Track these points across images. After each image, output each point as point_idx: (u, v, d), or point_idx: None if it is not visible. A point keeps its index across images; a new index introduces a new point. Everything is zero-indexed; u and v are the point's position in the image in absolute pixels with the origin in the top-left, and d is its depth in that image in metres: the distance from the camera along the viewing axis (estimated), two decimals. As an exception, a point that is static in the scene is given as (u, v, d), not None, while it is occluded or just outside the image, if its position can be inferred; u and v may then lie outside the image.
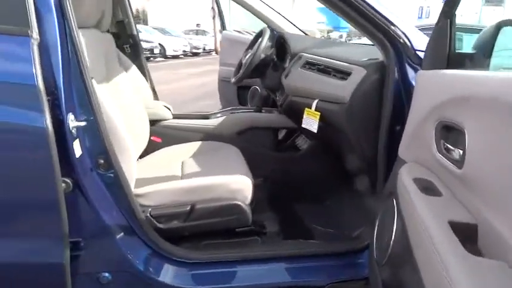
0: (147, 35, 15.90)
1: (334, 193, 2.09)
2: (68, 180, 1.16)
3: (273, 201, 1.90)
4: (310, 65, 1.76)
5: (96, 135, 1.20)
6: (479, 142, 0.77)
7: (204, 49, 18.42)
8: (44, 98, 1.02)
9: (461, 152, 0.83)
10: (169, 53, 15.91)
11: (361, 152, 1.53)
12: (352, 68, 1.51)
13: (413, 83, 1.29)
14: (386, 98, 1.38)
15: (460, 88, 0.87)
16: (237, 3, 2.95)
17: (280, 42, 2.22)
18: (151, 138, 1.98)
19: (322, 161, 2.11)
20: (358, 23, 1.36)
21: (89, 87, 1.16)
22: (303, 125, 1.70)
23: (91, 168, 1.23)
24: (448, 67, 1.04)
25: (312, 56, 1.80)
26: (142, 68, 2.58)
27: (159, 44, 15.29)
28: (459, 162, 0.83)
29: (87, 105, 1.17)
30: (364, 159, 1.54)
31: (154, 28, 18.43)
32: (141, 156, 1.87)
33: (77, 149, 1.16)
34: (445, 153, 0.91)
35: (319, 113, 1.61)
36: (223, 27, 3.67)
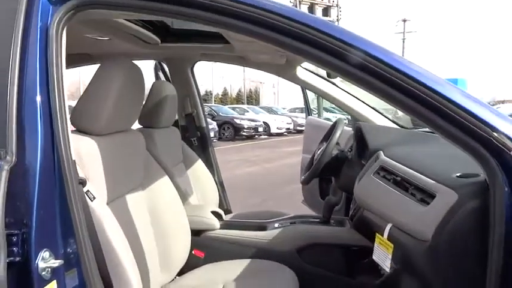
0: (253, 115, 16.95)
1: None
2: None
3: None
4: (385, 173, 1.33)
5: (81, 273, 0.96)
6: None
7: (307, 127, 18.67)
8: (2, 236, 0.82)
9: None
10: (273, 130, 16.51)
11: None
12: (438, 188, 1.04)
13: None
14: (492, 238, 0.89)
15: None
16: (313, 92, 2.74)
17: (358, 135, 1.85)
18: (193, 252, 1.70)
19: None
20: (440, 128, 0.92)
21: (77, 216, 0.94)
22: (374, 257, 1.25)
23: None
24: None
25: (388, 160, 1.37)
26: (209, 161, 2.47)
27: (264, 122, 15.99)
28: None
29: (72, 237, 0.95)
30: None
31: (261, 107, 19.55)
32: (179, 273, 1.60)
33: (49, 294, 0.92)
34: None
35: (392, 246, 1.15)
36: (308, 112, 3.52)
